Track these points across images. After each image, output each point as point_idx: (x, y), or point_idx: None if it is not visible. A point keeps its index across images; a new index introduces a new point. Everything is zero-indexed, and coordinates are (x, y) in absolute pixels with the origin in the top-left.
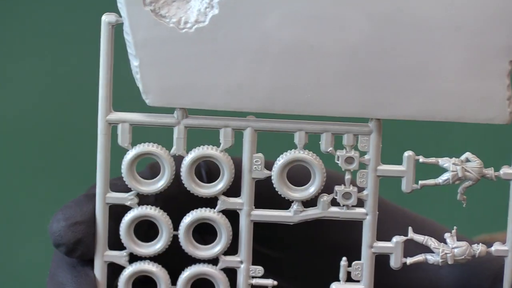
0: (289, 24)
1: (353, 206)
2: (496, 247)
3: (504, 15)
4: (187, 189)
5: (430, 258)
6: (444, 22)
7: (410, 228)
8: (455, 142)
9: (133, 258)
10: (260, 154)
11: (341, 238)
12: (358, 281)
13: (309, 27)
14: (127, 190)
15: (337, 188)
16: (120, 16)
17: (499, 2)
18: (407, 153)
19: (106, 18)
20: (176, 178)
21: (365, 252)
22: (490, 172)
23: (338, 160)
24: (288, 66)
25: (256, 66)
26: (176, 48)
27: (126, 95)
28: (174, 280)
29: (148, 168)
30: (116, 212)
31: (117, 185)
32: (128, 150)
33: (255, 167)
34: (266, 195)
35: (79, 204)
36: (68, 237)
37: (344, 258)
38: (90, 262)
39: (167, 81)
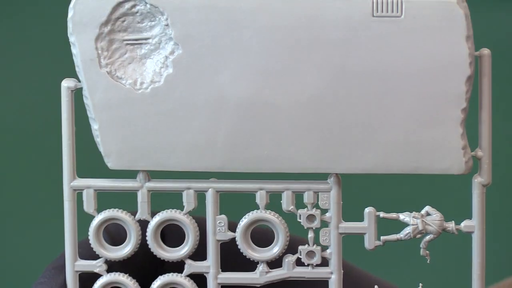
0: (242, 80)
1: (317, 265)
2: None
3: (453, 63)
4: (153, 253)
5: None
6: (395, 72)
7: (376, 287)
8: (416, 195)
9: None
10: (223, 216)
11: None
12: None
13: (263, 82)
14: (92, 255)
15: (300, 247)
16: (79, 81)
17: (449, 51)
18: (368, 209)
19: (66, 83)
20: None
21: None
22: (451, 225)
23: (300, 219)
24: (244, 122)
25: (212, 124)
26: (134, 109)
27: (92, 159)
28: None
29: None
30: (86, 277)
31: (82, 253)
32: (94, 216)
33: (219, 229)
34: (232, 255)
35: (51, 278)
36: None
37: None
38: None
39: (127, 143)
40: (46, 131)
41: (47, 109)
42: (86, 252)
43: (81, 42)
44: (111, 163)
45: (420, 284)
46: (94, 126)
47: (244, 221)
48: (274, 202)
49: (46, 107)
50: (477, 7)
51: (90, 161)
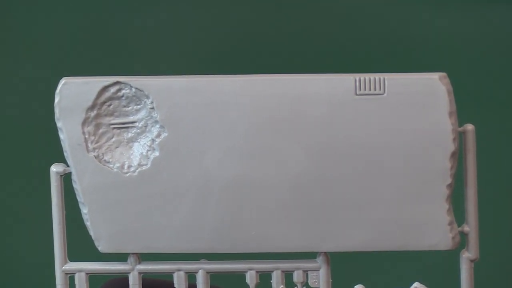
0: (228, 161)
1: None
2: None
3: (437, 140)
4: None
5: None
6: (380, 149)
7: None
8: (405, 271)
9: None
10: None
11: None
12: None
13: (248, 162)
14: None
15: None
16: (68, 165)
17: (432, 127)
18: (357, 287)
19: (54, 168)
20: None
21: None
22: None
23: None
24: (231, 202)
25: (200, 205)
26: (122, 193)
27: (84, 239)
28: None
29: None
30: None
31: None
32: None
33: None
34: None
35: None
36: None
37: None
38: None
39: (116, 227)
40: (36, 214)
41: (36, 193)
42: None
43: (68, 127)
44: (102, 247)
45: None
46: (84, 210)
47: None
48: (264, 280)
49: (35, 191)
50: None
51: (82, 242)
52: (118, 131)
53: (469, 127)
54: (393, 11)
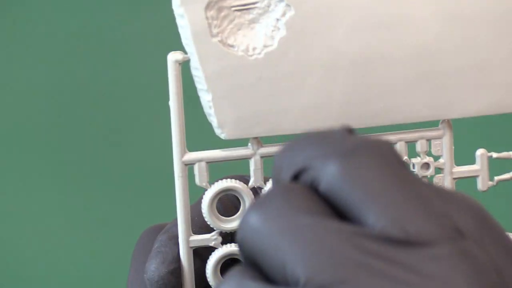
0: (356, 35)
1: None
2: None
3: None
4: None
5: None
6: (505, 14)
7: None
8: None
9: None
10: None
11: None
12: None
13: (376, 34)
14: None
15: None
16: (185, 53)
17: None
18: (479, 151)
19: (173, 57)
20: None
21: None
22: None
23: (414, 168)
24: (360, 78)
25: (328, 83)
26: (248, 76)
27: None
28: None
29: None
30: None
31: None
32: (206, 189)
33: None
34: None
35: (168, 247)
36: (172, 284)
37: None
38: None
39: (242, 111)
40: (147, 107)
41: (144, 85)
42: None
43: (190, 13)
44: (226, 134)
45: None
46: (207, 98)
47: None
48: None
49: (143, 83)
50: None
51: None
52: (239, 13)
53: None
54: None
